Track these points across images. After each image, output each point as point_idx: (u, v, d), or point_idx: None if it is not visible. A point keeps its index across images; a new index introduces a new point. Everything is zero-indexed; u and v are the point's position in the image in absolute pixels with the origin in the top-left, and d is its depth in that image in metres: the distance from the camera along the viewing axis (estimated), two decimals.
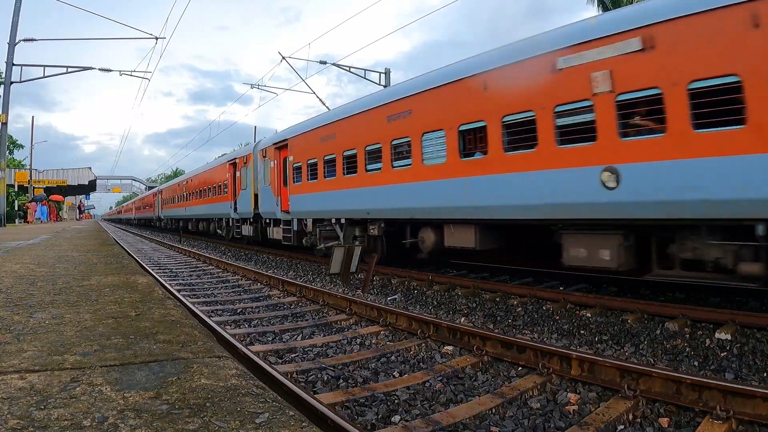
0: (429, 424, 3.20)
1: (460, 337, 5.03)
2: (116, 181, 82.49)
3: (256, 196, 15.80)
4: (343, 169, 10.65)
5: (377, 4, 20.45)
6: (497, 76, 7.10)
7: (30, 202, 40.45)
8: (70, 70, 22.75)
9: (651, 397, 3.52)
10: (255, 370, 3.81)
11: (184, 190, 27.63)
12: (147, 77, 25.37)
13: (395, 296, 8.11)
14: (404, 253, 10.15)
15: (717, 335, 4.95)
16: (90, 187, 63.33)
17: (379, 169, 9.51)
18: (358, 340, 5.46)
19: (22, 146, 56.45)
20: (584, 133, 5.92)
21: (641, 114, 5.60)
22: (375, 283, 9.12)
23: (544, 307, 6.62)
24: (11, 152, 51.19)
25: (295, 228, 13.02)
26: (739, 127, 4.66)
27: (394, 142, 9.11)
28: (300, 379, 4.15)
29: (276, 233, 14.59)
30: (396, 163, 9.07)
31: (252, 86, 23.51)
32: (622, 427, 3.26)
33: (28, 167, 44.34)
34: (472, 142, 7.97)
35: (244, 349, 4.41)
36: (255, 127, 40.56)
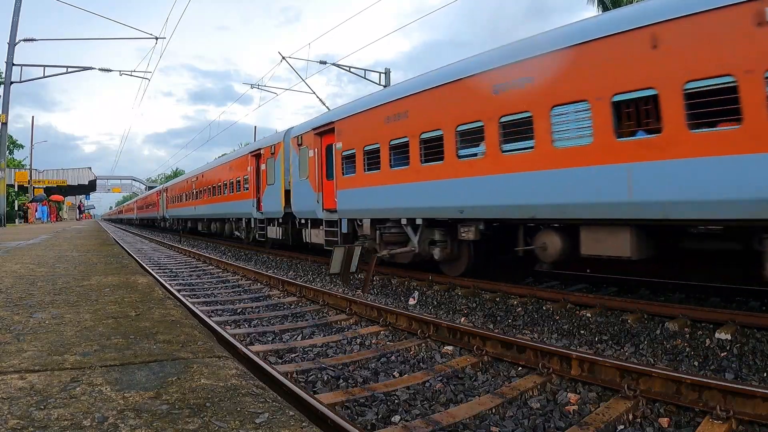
0: (429, 424, 3.20)
1: (460, 337, 5.03)
2: (116, 181, 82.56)
3: (287, 192, 13.52)
4: (421, 156, 8.45)
5: (377, 4, 20.45)
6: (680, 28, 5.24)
7: (31, 202, 40.46)
8: (70, 70, 22.76)
9: (651, 397, 3.52)
10: (255, 370, 3.81)
11: (193, 187, 25.03)
12: (147, 77, 25.41)
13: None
14: (496, 262, 8.64)
15: (717, 335, 4.95)
16: (90, 187, 63.36)
17: (480, 154, 7.35)
18: (358, 340, 5.46)
19: (22, 146, 56.49)
20: None
21: None
22: (375, 283, 9.12)
23: (544, 307, 6.62)
24: (11, 152, 51.20)
25: (344, 230, 10.70)
26: None
27: (505, 119, 6.91)
28: (300, 379, 4.15)
29: (315, 236, 12.14)
30: (507, 147, 6.96)
31: (252, 86, 23.52)
32: (622, 427, 3.26)
33: (28, 167, 44.37)
34: (631, 117, 5.90)
35: (244, 349, 4.40)
36: (255, 127, 40.59)
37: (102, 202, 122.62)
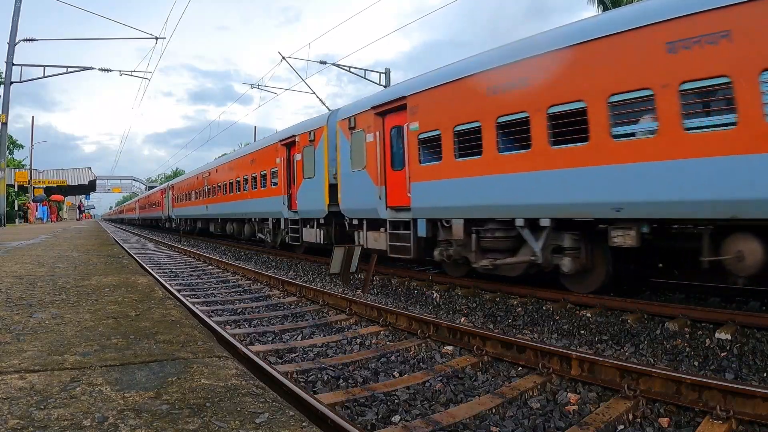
0: (429, 424, 3.20)
1: (460, 337, 5.03)
2: (116, 181, 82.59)
3: (332, 186, 11.25)
4: (550, 136, 6.38)
5: (377, 4, 20.44)
6: None
7: (32, 201, 40.47)
8: (70, 70, 22.77)
9: (651, 397, 3.52)
10: (255, 370, 3.81)
11: (205, 184, 22.46)
12: (147, 77, 25.43)
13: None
14: (645, 275, 7.36)
15: (717, 335, 4.94)
16: (90, 187, 63.35)
17: (649, 132, 5.46)
18: (358, 340, 5.46)
19: (22, 146, 56.51)
20: None
21: None
22: (375, 283, 9.12)
23: (544, 307, 6.62)
24: (11, 152, 51.22)
25: (422, 232, 8.44)
26: None
27: (690, 86, 5.06)
28: (300, 379, 4.15)
29: (374, 240, 9.79)
30: (694, 123, 5.12)
31: (252, 86, 23.54)
32: (622, 427, 3.26)
33: (28, 167, 44.38)
34: None
35: (244, 349, 4.40)
36: (255, 127, 40.59)
37: (102, 202, 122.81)
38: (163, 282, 8.97)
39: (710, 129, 5.04)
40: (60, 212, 56.07)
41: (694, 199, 5.13)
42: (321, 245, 12.13)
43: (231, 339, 4.81)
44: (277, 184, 14.18)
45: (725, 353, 4.61)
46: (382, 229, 9.56)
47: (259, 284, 9.45)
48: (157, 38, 21.52)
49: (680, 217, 5.49)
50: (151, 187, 61.64)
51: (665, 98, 5.25)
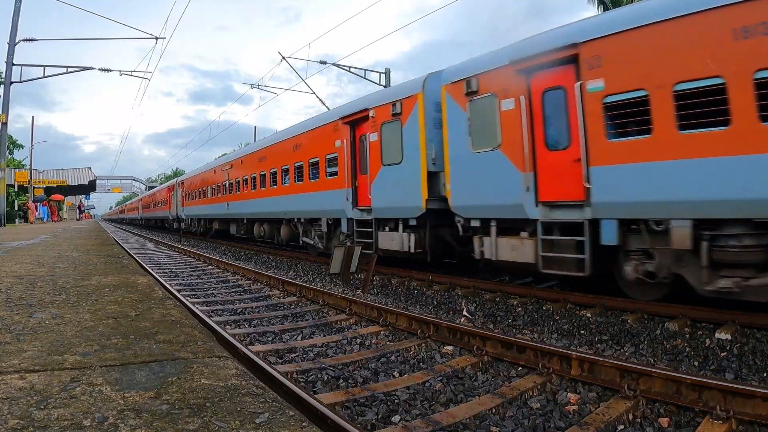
0: (429, 424, 3.20)
1: (460, 337, 5.03)
2: (116, 181, 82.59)
3: (431, 175, 8.60)
4: None
5: (377, 4, 20.44)
6: None
7: (32, 201, 40.47)
8: (70, 70, 22.76)
9: (651, 397, 3.52)
10: (255, 370, 3.81)
11: (226, 177, 19.34)
12: (147, 77, 25.42)
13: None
14: None
15: (717, 335, 4.95)
16: (90, 187, 63.32)
17: None
18: (358, 340, 5.46)
19: (22, 146, 56.51)
20: None
21: None
22: (375, 283, 9.12)
23: (544, 307, 6.62)
24: (11, 152, 51.23)
25: (609, 239, 5.92)
26: None
27: None
28: (300, 379, 4.15)
29: (512, 251, 7.08)
30: None
31: (252, 86, 23.54)
32: (622, 427, 3.26)
33: (28, 167, 44.38)
34: None
35: (244, 349, 4.41)
36: (255, 127, 40.58)
37: (102, 202, 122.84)
38: (163, 282, 8.98)
39: None
40: (60, 212, 56.05)
41: None
42: (410, 255, 9.01)
43: (231, 339, 4.81)
44: (336, 174, 11.06)
45: (725, 353, 4.61)
46: (524, 234, 6.94)
47: (259, 284, 9.45)
48: (157, 38, 21.54)
49: None
50: (151, 187, 61.41)
51: None
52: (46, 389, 1.97)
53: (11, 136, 52.06)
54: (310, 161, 12.34)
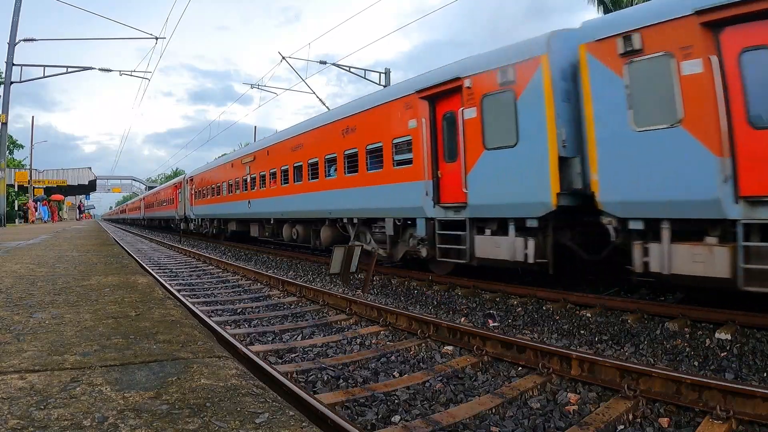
0: (429, 424, 3.20)
1: (460, 337, 5.03)
2: (116, 181, 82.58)
3: (562, 161, 6.61)
4: None
5: (377, 4, 20.41)
6: None
7: (32, 201, 40.47)
8: (70, 70, 22.75)
9: (651, 397, 3.52)
10: (255, 370, 3.81)
11: (247, 171, 16.98)
12: (147, 77, 25.35)
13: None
14: None
15: (717, 335, 4.95)
16: (90, 187, 63.30)
17: None
18: (358, 340, 5.46)
19: (22, 146, 56.50)
20: None
21: None
22: (375, 283, 9.12)
23: (544, 307, 6.62)
24: (11, 152, 51.22)
25: None
26: None
27: None
28: (300, 379, 4.15)
29: (693, 262, 5.35)
30: None
31: (252, 86, 23.52)
32: (622, 427, 3.26)
33: (28, 167, 44.37)
34: None
35: (244, 349, 4.41)
36: (255, 127, 40.57)
37: (102, 202, 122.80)
38: (163, 282, 8.98)
39: None
40: (60, 212, 56.05)
41: None
42: (526, 266, 7.02)
43: (231, 339, 4.81)
44: (409, 162, 8.97)
45: (725, 353, 4.62)
46: (711, 239, 5.29)
47: (259, 284, 9.45)
48: (157, 38, 21.51)
49: None
50: (151, 187, 61.21)
51: None
52: (46, 389, 1.97)
53: (11, 136, 52.06)
54: (368, 148, 10.15)
